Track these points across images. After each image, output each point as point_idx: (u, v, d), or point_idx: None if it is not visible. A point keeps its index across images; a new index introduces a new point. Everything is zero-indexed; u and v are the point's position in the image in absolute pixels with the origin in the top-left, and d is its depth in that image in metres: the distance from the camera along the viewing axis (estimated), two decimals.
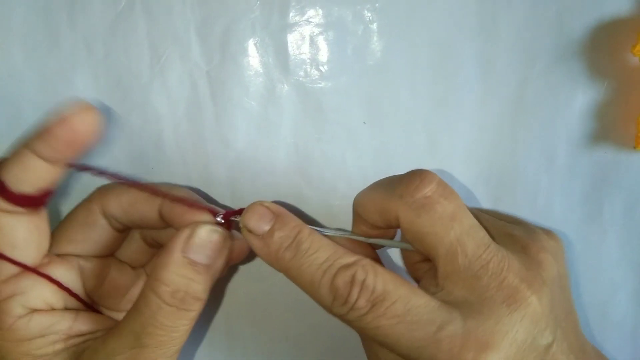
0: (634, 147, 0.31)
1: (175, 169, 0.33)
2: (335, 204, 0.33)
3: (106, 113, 0.32)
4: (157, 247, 0.31)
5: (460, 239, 0.24)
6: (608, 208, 0.34)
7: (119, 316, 0.29)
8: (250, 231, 0.25)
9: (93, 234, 0.28)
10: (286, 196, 0.33)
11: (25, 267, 0.25)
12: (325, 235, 0.26)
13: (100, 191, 0.28)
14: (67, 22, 0.31)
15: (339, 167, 0.33)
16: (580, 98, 0.32)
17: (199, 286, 0.25)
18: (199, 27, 0.31)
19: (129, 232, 0.31)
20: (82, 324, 0.27)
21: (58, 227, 0.29)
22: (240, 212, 0.26)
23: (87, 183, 0.30)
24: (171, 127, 0.32)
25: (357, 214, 0.28)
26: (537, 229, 0.27)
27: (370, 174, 0.33)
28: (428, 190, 0.24)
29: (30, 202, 0.24)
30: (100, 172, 0.26)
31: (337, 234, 0.28)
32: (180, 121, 0.32)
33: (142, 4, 0.30)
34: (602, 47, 0.31)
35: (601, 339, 0.27)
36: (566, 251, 0.34)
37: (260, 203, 0.26)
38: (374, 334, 0.23)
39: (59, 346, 0.26)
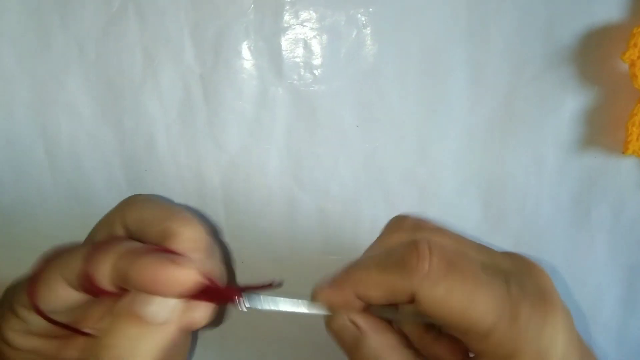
0: (622, 152, 0.32)
1: (167, 171, 0.33)
2: (327, 207, 0.33)
3: (98, 115, 0.32)
4: None
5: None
6: (596, 212, 0.34)
7: None
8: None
9: None
10: (278, 198, 0.33)
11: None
12: None
13: (123, 202, 0.26)
14: (59, 24, 0.30)
15: (331, 169, 0.33)
16: (569, 104, 0.33)
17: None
18: (192, 30, 0.31)
19: None
20: None
21: (88, 238, 0.27)
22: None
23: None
24: (163, 130, 0.32)
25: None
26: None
27: (362, 176, 0.33)
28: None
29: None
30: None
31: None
32: (173, 124, 0.32)
33: (135, 7, 0.30)
34: (591, 53, 0.32)
35: (587, 341, 0.28)
36: (554, 254, 0.34)
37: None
38: None
39: None
